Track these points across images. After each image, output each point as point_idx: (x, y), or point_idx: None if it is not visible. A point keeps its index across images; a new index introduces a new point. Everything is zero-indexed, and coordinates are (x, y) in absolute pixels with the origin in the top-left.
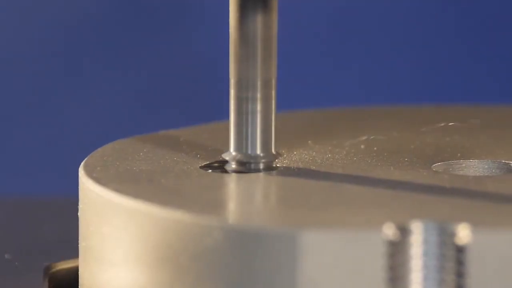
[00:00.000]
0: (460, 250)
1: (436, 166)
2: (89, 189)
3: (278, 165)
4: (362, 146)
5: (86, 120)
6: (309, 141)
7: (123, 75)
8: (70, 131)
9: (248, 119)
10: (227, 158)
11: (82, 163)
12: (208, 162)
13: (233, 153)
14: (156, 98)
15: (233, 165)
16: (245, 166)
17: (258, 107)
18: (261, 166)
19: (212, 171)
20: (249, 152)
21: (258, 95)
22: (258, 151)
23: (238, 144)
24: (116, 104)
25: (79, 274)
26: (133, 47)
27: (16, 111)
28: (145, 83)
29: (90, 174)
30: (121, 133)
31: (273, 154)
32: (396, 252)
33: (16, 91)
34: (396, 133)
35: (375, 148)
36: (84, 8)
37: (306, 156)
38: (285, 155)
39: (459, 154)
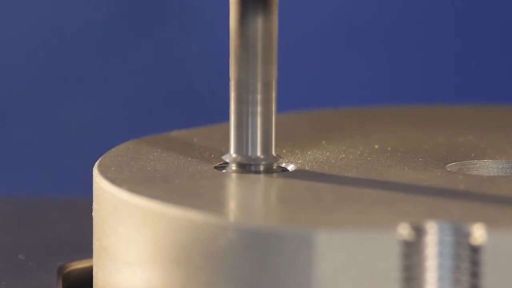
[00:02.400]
0: (475, 250)
1: (450, 166)
2: (103, 189)
3: (292, 165)
4: (376, 146)
5: (95, 120)
6: (323, 141)
7: (125, 77)
8: (79, 131)
9: (248, 121)
10: (227, 160)
11: (96, 163)
12: (222, 162)
13: (234, 155)
14: (156, 100)
15: (234, 167)
16: (246, 168)
17: (259, 109)
18: (262, 168)
19: (226, 171)
20: (250, 154)
21: (259, 97)
22: (259, 153)
23: (238, 146)
24: (121, 106)
25: (93, 274)
26: (136, 49)
27: (28, 112)
28: (145, 84)
29: (104, 174)
30: (129, 134)
31: (274, 156)
32: (411, 252)
33: (27, 92)
34: (409, 133)
35: (389, 148)
36: (88, 9)
37: (320, 156)
38: (299, 155)
39: (473, 154)
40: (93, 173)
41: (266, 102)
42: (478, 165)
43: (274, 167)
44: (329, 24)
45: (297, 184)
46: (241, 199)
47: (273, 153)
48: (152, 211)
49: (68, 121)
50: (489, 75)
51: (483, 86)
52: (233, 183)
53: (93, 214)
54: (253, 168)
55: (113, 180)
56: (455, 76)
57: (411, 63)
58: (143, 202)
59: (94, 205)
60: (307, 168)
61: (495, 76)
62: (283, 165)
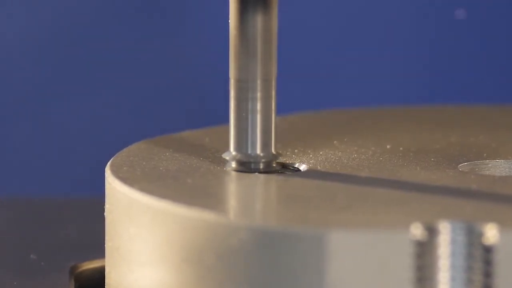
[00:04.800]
0: (487, 250)
1: (462, 166)
2: (115, 189)
3: (304, 165)
4: (388, 146)
5: (100, 121)
6: (335, 141)
7: (126, 77)
8: (91, 132)
9: (248, 119)
10: (227, 158)
11: (108, 163)
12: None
13: (233, 153)
14: (154, 100)
15: (233, 165)
16: (245, 166)
17: (258, 107)
18: (261, 166)
19: (238, 171)
20: (249, 152)
21: (258, 95)
22: (258, 151)
23: (238, 144)
24: (124, 106)
25: (105, 274)
26: (136, 48)
27: (41, 113)
28: (142, 83)
29: (116, 174)
30: (129, 134)
31: (273, 154)
32: (424, 252)
33: (37, 94)
34: (421, 133)
35: (400, 148)
36: (90, 9)
37: (332, 156)
38: (311, 155)
39: (485, 154)
40: (106, 173)
41: (266, 100)
42: (490, 165)
43: (274, 165)
44: (334, 21)
45: (309, 184)
46: (253, 199)
47: (273, 150)
48: (164, 211)
49: (80, 121)
50: (502, 74)
51: (495, 86)
52: (245, 183)
53: (105, 214)
54: (252, 166)
55: (125, 180)
56: (468, 76)
57: (423, 62)
58: (155, 202)
59: (107, 205)
60: (319, 168)
61: (507, 76)
62: (296, 165)
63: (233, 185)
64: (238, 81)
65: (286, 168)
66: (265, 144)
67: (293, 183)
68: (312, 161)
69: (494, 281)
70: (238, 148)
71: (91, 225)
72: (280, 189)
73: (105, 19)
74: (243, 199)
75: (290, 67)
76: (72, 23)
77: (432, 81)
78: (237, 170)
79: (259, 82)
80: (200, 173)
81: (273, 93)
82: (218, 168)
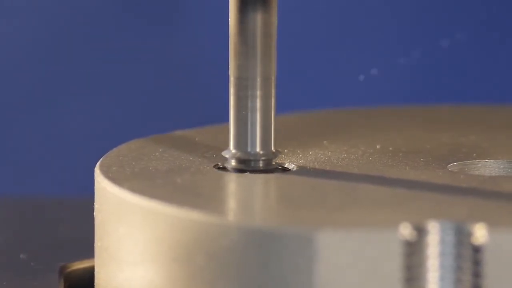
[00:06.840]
0: (476, 250)
1: (452, 166)
2: (105, 189)
3: (294, 165)
4: (378, 146)
5: (97, 121)
6: (325, 141)
7: (125, 77)
8: (81, 132)
9: (247, 117)
10: (226, 156)
11: (98, 163)
12: (223, 162)
13: (233, 151)
14: (154, 98)
15: (233, 163)
16: (245, 164)
17: (258, 105)
18: (261, 164)
19: (225, 167)
20: (249, 150)
21: (258, 93)
22: (258, 149)
23: (238, 142)
24: (121, 106)
25: (95, 274)
26: (134, 47)
27: (32, 113)
28: (140, 81)
29: (106, 174)
30: (129, 134)
31: (273, 152)
32: (413, 252)
33: (32, 94)
34: (412, 133)
35: (390, 148)
36: (89, 8)
37: (321, 156)
38: (300, 155)
39: (474, 154)
40: (95, 173)
41: (266, 97)
42: (479, 165)
43: (273, 163)
44: (332, 20)
45: (298, 184)
46: (242, 199)
47: (273, 148)
48: (153, 211)
49: (69, 121)
50: (495, 75)
51: (487, 86)
52: (234, 183)
53: (94, 214)
54: (252, 163)
55: (114, 180)
56: (460, 76)
57: (417, 62)
58: (145, 201)
59: (96, 205)
60: (308, 168)
61: (500, 76)
62: (286, 165)
63: (223, 184)
64: (238, 79)
65: (275, 168)
66: (265, 142)
67: (282, 182)
68: (302, 161)
69: (483, 281)
70: (238, 146)
71: (81, 225)
72: (268, 188)
73: (105, 19)
74: (232, 198)
75: (289, 66)
76: (72, 23)
77: (427, 81)
78: (236, 168)
79: (259, 80)
80: (190, 173)
81: (273, 91)
82: (208, 167)
